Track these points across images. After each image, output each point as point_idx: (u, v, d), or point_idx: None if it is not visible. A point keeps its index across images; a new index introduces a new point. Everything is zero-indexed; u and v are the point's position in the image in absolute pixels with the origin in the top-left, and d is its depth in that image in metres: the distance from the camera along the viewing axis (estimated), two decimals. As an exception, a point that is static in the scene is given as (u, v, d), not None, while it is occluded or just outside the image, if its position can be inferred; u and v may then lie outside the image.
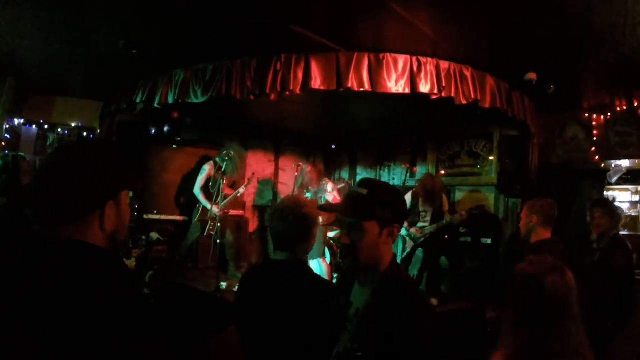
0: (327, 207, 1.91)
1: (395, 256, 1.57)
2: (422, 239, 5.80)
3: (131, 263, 3.55)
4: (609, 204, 3.80)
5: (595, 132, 6.04)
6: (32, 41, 4.49)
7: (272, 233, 2.10)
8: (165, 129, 6.94)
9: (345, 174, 9.68)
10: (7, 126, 6.16)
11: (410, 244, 5.98)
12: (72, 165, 1.11)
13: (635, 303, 3.56)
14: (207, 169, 6.08)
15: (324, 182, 6.10)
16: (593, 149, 6.06)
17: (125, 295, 1.07)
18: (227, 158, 5.68)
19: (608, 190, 6.75)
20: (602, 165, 6.16)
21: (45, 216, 1.10)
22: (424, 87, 4.02)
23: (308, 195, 6.07)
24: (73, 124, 6.80)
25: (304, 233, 2.06)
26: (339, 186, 6.38)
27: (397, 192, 1.61)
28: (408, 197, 6.09)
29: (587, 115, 6.10)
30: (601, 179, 6.16)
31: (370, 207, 1.49)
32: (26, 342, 0.95)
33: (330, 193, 5.98)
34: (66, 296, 0.98)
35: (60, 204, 1.08)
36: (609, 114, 5.92)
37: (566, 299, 1.56)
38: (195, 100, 4.55)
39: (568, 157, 6.29)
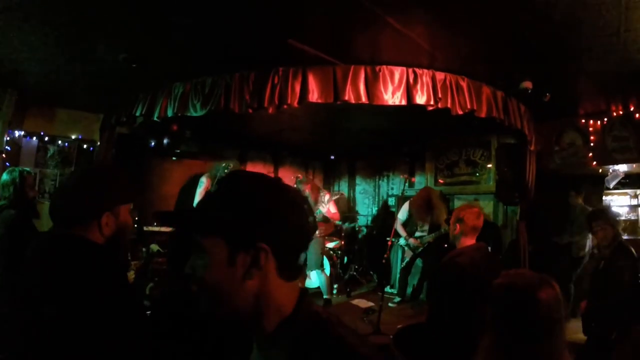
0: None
1: (302, 293, 0.94)
2: (421, 248, 5.83)
3: (130, 275, 3.57)
4: (606, 214, 3.78)
5: (592, 137, 6.07)
6: (33, 54, 4.53)
7: None
8: (165, 141, 7.00)
9: (344, 184, 9.74)
10: (8, 138, 6.18)
11: (409, 254, 6.01)
12: (76, 186, 1.51)
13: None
14: (204, 181, 6.11)
15: (322, 194, 6.14)
16: (590, 154, 6.08)
17: (108, 276, 1.39)
18: (225, 171, 5.72)
19: (607, 195, 6.80)
20: (600, 170, 6.21)
21: (58, 220, 1.50)
22: (420, 99, 4.05)
23: None
24: (73, 136, 6.84)
25: None
26: (335, 197, 6.42)
27: (272, 189, 0.93)
28: (405, 207, 6.13)
29: (583, 121, 6.13)
30: (599, 185, 6.20)
31: (211, 212, 0.91)
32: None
33: (325, 204, 6.01)
34: (59, 273, 1.33)
35: (66, 213, 1.48)
36: (606, 119, 5.95)
37: (559, 313, 1.52)
38: (194, 114, 4.58)
39: (566, 163, 6.32)
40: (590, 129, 6.08)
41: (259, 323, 0.89)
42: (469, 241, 3.30)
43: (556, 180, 6.28)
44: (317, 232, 5.77)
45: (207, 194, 0.97)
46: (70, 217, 1.47)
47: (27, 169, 4.10)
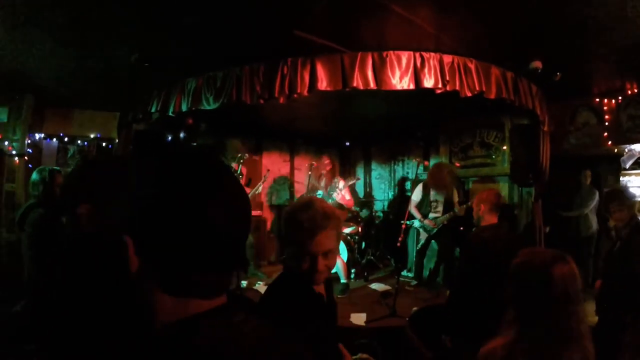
0: None
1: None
2: (436, 229, 5.86)
3: None
4: (623, 195, 3.79)
5: (606, 116, 6.03)
6: (47, 59, 4.71)
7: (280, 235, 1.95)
8: (181, 135, 7.14)
9: (360, 170, 9.79)
10: (29, 141, 6.42)
11: (424, 236, 6.05)
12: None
13: None
14: None
15: (335, 180, 6.21)
16: (605, 134, 6.04)
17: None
18: (241, 161, 5.85)
19: (624, 175, 6.73)
20: (616, 150, 6.15)
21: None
22: (428, 82, 4.08)
23: (319, 194, 6.17)
24: (92, 135, 7.04)
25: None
26: (351, 182, 6.45)
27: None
28: (419, 188, 6.17)
29: (597, 100, 6.09)
30: (615, 165, 6.15)
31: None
32: None
33: (340, 191, 6.06)
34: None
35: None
36: (620, 97, 5.89)
37: (574, 289, 1.57)
38: (207, 107, 4.69)
39: (580, 143, 6.29)
40: (605, 108, 6.03)
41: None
42: (492, 220, 3.62)
43: (571, 161, 6.25)
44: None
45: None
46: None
47: (57, 168, 4.22)
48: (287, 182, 8.95)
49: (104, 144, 7.12)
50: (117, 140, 6.86)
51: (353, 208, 6.93)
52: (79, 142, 6.98)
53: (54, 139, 6.83)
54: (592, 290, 3.99)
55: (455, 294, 3.68)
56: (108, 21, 3.82)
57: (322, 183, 6.55)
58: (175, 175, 0.75)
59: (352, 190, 7.47)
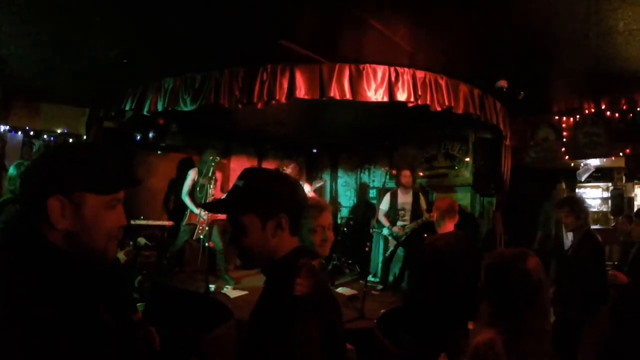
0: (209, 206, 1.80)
1: (300, 248, 1.41)
2: (404, 236, 6.05)
3: (121, 255, 3.66)
4: (574, 203, 3.90)
5: (565, 133, 6.41)
6: (22, 50, 4.60)
7: None
8: (150, 135, 7.08)
9: (326, 177, 9.88)
10: (-7, 133, 6.23)
11: (392, 243, 6.22)
12: (33, 163, 1.13)
13: (605, 295, 3.70)
14: (191, 174, 6.19)
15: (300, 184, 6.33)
16: (563, 149, 6.42)
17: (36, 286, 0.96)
18: (213, 163, 5.86)
19: (580, 187, 7.13)
20: (572, 164, 6.53)
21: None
22: (401, 96, 4.27)
23: None
24: (59, 130, 6.87)
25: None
26: (318, 184, 6.53)
27: (280, 179, 1.40)
28: (387, 198, 6.35)
29: (557, 117, 6.46)
30: (572, 178, 6.52)
31: (245, 198, 1.33)
32: None
33: (308, 194, 6.17)
34: None
35: (20, 193, 1.16)
36: (578, 116, 6.28)
37: (540, 281, 1.71)
38: (184, 109, 4.71)
39: (540, 157, 6.64)
40: (563, 125, 6.41)
41: (268, 261, 1.34)
42: (448, 228, 3.76)
43: (532, 174, 6.58)
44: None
45: (235, 186, 1.36)
46: (19, 198, 1.14)
47: None
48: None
49: (70, 140, 6.96)
50: (84, 137, 6.75)
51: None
52: (45, 136, 6.79)
53: (19, 132, 6.63)
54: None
55: (412, 299, 3.86)
56: (87, 15, 3.77)
57: None
58: (286, 179, 1.43)
59: (319, 193, 7.58)
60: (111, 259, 1.15)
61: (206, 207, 1.67)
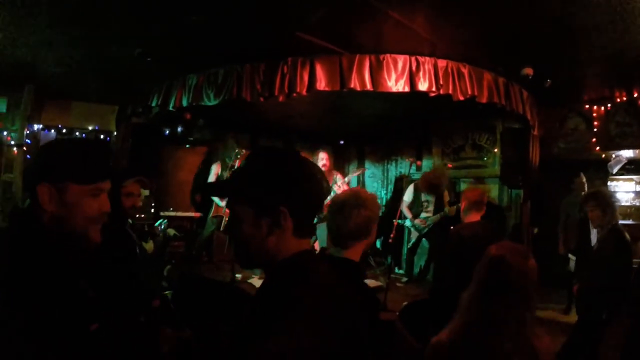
0: (206, 188, 1.54)
1: (310, 252, 1.16)
2: (426, 229, 6.01)
3: (149, 246, 3.78)
4: (601, 196, 3.78)
5: (595, 123, 6.21)
6: (50, 51, 4.79)
7: (331, 228, 2.00)
8: (179, 129, 7.25)
9: (353, 168, 9.88)
10: (27, 132, 6.47)
11: (415, 235, 6.19)
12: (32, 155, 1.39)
13: (631, 296, 3.53)
14: (214, 168, 6.29)
15: (334, 176, 6.30)
16: (594, 139, 6.22)
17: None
18: (239, 156, 5.94)
19: (612, 180, 6.89)
20: (603, 155, 6.33)
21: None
22: (423, 85, 4.23)
23: None
24: (90, 127, 7.10)
25: (364, 233, 1.96)
26: (355, 174, 6.41)
27: (286, 164, 1.12)
28: (411, 189, 6.31)
29: (587, 106, 6.26)
30: (603, 170, 6.31)
31: (239, 184, 1.12)
32: None
33: (340, 186, 6.15)
34: None
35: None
36: (609, 105, 6.07)
37: (527, 282, 1.68)
38: (208, 103, 4.81)
39: (569, 148, 6.46)
40: (594, 114, 6.21)
41: (266, 264, 1.11)
42: (474, 218, 3.71)
43: (560, 165, 6.40)
44: (325, 212, 5.93)
45: (237, 169, 1.21)
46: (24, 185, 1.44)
47: None
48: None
49: (101, 137, 7.19)
50: (115, 133, 6.95)
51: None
52: (77, 133, 7.04)
53: (52, 130, 6.88)
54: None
55: (435, 289, 3.82)
56: (111, 16, 3.91)
57: None
58: (299, 164, 1.13)
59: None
60: (94, 241, 1.30)
61: (204, 188, 1.51)
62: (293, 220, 1.07)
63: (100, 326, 1.21)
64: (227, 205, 1.24)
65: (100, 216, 1.30)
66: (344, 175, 6.58)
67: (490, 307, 1.68)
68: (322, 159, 6.22)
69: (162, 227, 3.78)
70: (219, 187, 1.39)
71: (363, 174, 9.72)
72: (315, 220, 5.42)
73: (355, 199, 1.95)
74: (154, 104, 5.49)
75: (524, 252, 1.77)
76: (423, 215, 6.12)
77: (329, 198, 5.95)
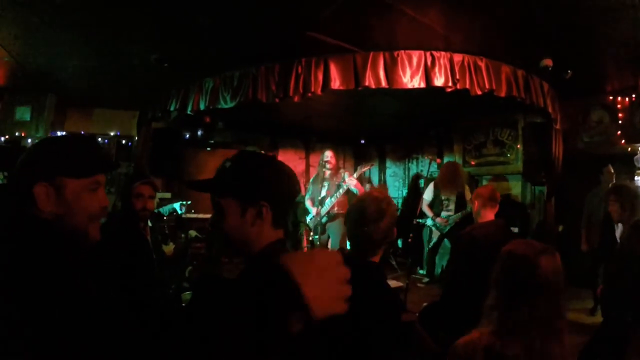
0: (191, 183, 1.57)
1: (282, 241, 1.30)
2: (448, 227, 5.93)
3: (169, 248, 3.82)
4: (622, 191, 3.67)
5: (620, 115, 5.99)
6: (69, 59, 4.94)
7: (354, 239, 2.08)
8: (199, 133, 7.34)
9: (374, 167, 9.84)
10: (51, 139, 6.63)
11: (436, 234, 6.11)
12: (20, 157, 1.24)
13: None
14: None
15: (341, 171, 6.24)
16: (619, 132, 6.00)
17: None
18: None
19: (638, 175, 6.66)
20: (629, 149, 6.12)
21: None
22: (438, 81, 4.17)
23: (326, 184, 6.17)
24: (112, 133, 7.25)
25: (388, 238, 2.07)
26: (362, 170, 6.33)
27: (268, 166, 1.31)
28: (431, 187, 6.23)
29: (611, 98, 6.04)
30: (629, 164, 6.11)
31: (226, 181, 1.28)
32: None
33: (348, 182, 6.00)
34: None
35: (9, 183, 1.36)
36: (634, 95, 5.85)
37: (557, 282, 1.59)
38: (224, 106, 4.85)
39: (594, 142, 6.27)
40: (619, 106, 5.99)
41: (246, 252, 1.27)
42: (488, 216, 3.57)
43: (585, 160, 6.23)
44: (336, 210, 5.94)
45: (222, 168, 1.30)
46: (9, 189, 1.26)
47: None
48: (302, 179, 9.05)
49: (123, 142, 7.33)
50: (136, 138, 7.07)
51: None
52: (99, 139, 7.19)
53: (75, 137, 7.03)
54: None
55: (447, 291, 3.74)
56: (128, 23, 4.00)
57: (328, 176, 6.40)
58: (276, 166, 1.33)
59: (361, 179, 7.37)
60: (93, 240, 1.26)
61: (188, 184, 1.45)
62: (272, 213, 1.25)
63: (104, 327, 1.17)
64: (211, 200, 1.33)
65: (100, 212, 1.27)
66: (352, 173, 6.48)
67: (522, 307, 1.58)
68: (328, 157, 6.21)
69: (176, 212, 3.80)
70: (204, 184, 1.40)
71: (384, 172, 9.66)
72: (325, 219, 5.48)
73: (377, 211, 2.01)
74: (172, 108, 5.56)
75: (551, 250, 1.66)
76: (444, 214, 6.04)
77: (337, 195, 5.96)
